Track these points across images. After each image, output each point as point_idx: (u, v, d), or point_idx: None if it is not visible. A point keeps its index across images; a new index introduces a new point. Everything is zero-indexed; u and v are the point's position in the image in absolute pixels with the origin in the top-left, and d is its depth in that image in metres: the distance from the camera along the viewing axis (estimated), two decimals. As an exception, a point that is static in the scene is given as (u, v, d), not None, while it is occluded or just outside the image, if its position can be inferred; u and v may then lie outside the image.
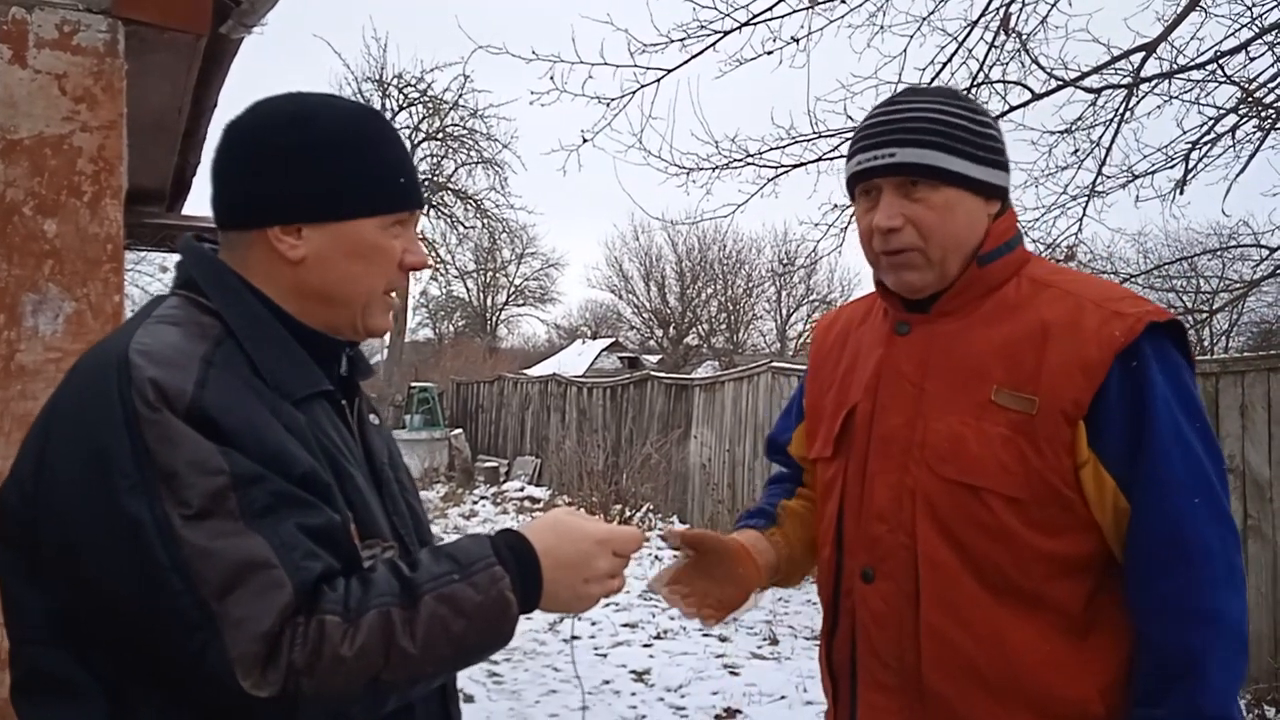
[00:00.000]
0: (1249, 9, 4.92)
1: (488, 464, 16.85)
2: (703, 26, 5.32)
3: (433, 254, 28.86)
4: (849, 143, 1.58)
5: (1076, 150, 5.81)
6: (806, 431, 1.76)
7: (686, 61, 5.47)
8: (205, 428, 1.02)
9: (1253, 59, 5.06)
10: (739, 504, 9.64)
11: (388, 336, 27.28)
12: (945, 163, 1.46)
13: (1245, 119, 5.35)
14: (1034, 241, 5.97)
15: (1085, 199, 5.80)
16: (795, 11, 5.27)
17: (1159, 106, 5.43)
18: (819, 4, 5.23)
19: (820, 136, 5.62)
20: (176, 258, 1.24)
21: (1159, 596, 1.37)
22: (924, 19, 5.36)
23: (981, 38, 5.33)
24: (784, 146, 5.72)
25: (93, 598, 1.02)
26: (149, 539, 0.98)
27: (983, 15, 5.27)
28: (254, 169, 1.18)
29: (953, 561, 1.44)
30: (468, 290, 37.23)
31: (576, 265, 78.14)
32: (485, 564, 1.11)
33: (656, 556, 9.22)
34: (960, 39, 5.37)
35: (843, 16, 5.32)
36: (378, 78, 25.74)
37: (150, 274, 19.23)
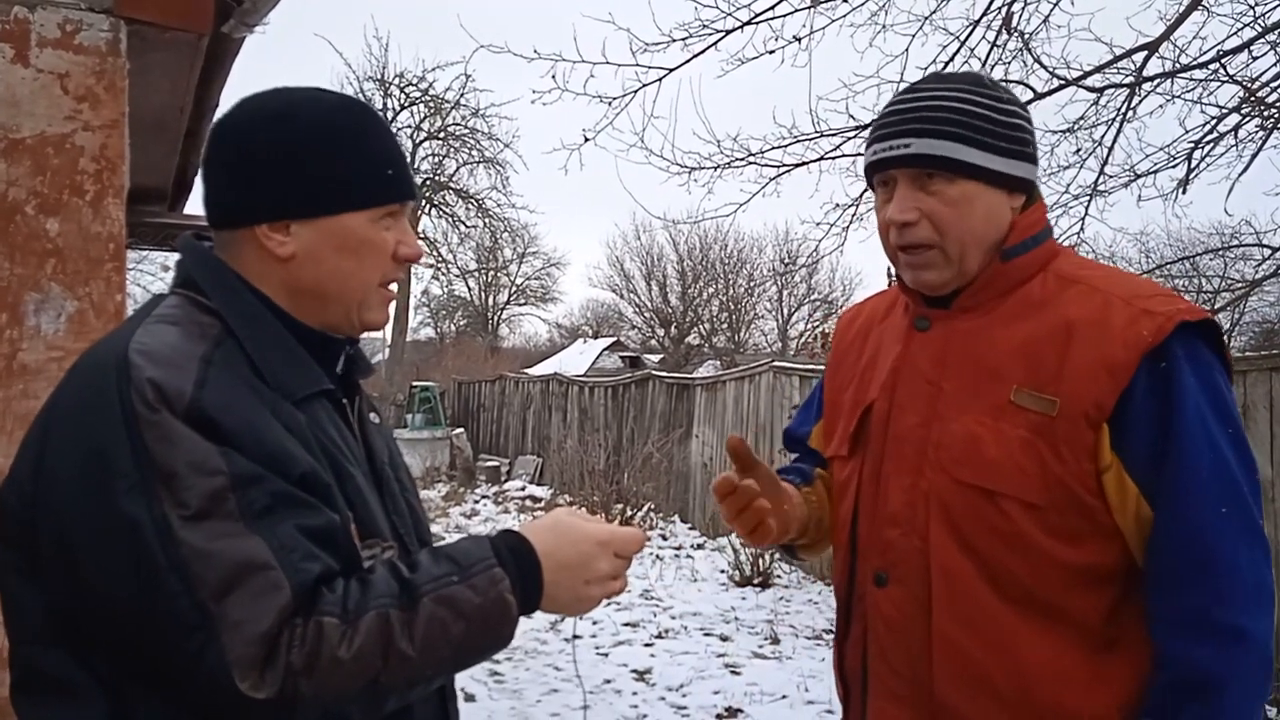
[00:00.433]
0: (1251, 8, 4.92)
1: (489, 463, 16.86)
2: (704, 25, 5.32)
3: (434, 253, 28.89)
4: (870, 130, 1.52)
5: (1079, 150, 5.80)
6: (824, 429, 1.71)
7: (688, 60, 5.47)
8: (204, 428, 1.01)
9: (1255, 58, 5.05)
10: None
11: (389, 335, 27.36)
12: (962, 154, 1.40)
13: (1248, 118, 5.34)
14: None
15: (1087, 198, 5.79)
16: (797, 10, 5.26)
17: (1161, 106, 5.43)
18: (821, 3, 5.23)
19: (822, 136, 5.61)
20: (177, 257, 1.25)
21: (1178, 610, 1.30)
22: (926, 18, 5.36)
23: (984, 37, 5.33)
24: (786, 146, 5.72)
25: (91, 598, 1.01)
26: (147, 540, 0.98)
27: (985, 14, 5.27)
28: (239, 167, 1.18)
29: (967, 569, 1.39)
30: (469, 289, 37.27)
31: (578, 264, 78.27)
32: (485, 566, 1.10)
33: (658, 556, 9.23)
34: (962, 38, 5.37)
35: (845, 15, 5.32)
36: (379, 77, 25.84)
37: (152, 273, 19.28)
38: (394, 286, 1.29)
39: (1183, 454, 1.31)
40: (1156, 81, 5.23)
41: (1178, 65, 5.12)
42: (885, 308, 1.67)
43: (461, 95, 25.90)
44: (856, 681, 1.54)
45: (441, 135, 27.16)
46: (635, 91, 5.61)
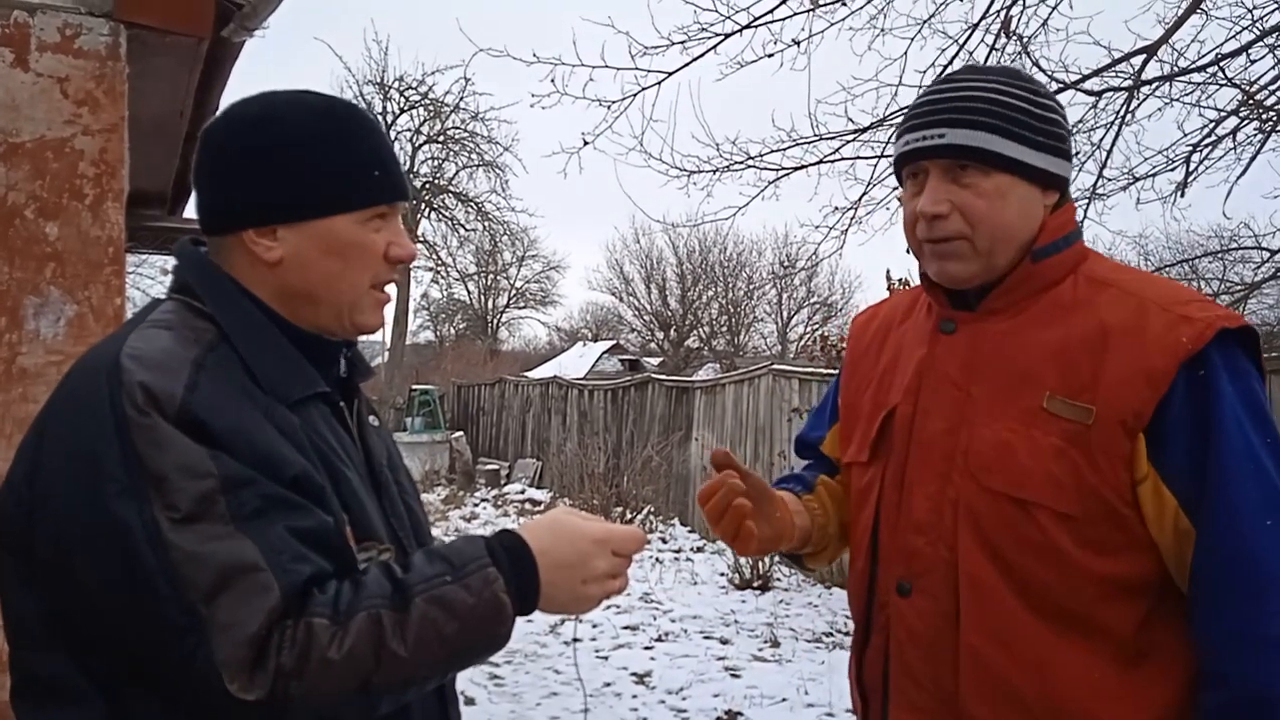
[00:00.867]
0: (1250, 11, 4.92)
1: (489, 466, 16.84)
2: (703, 29, 5.32)
3: (434, 256, 28.91)
4: (901, 121, 1.47)
5: (1077, 153, 5.79)
6: (841, 434, 1.65)
7: (687, 64, 5.47)
8: (195, 431, 1.02)
9: (1254, 61, 5.05)
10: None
11: (389, 339, 27.36)
12: (998, 146, 1.35)
13: (1246, 121, 5.34)
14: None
15: (1086, 201, 5.78)
16: (796, 14, 5.27)
17: (1160, 109, 5.43)
18: (820, 7, 5.23)
19: (821, 139, 5.61)
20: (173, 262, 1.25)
21: (1231, 628, 1.26)
22: (924, 21, 5.36)
23: (982, 40, 5.33)
24: (785, 149, 5.71)
25: (85, 602, 1.02)
26: (137, 543, 0.98)
27: (983, 18, 5.26)
28: (224, 173, 1.18)
29: (996, 580, 1.34)
30: (469, 293, 37.25)
31: (577, 268, 78.34)
32: (478, 565, 1.10)
33: (657, 559, 9.23)
34: (961, 42, 5.37)
35: (844, 19, 5.32)
36: (379, 80, 25.89)
37: (151, 277, 19.32)
38: (390, 289, 1.28)
39: (1224, 467, 1.27)
40: (1155, 85, 5.23)
41: (1176, 68, 5.12)
42: (905, 309, 1.62)
43: (461, 99, 26.01)
44: (877, 693, 1.50)
45: (441, 139, 27.22)
46: (634, 95, 5.62)
